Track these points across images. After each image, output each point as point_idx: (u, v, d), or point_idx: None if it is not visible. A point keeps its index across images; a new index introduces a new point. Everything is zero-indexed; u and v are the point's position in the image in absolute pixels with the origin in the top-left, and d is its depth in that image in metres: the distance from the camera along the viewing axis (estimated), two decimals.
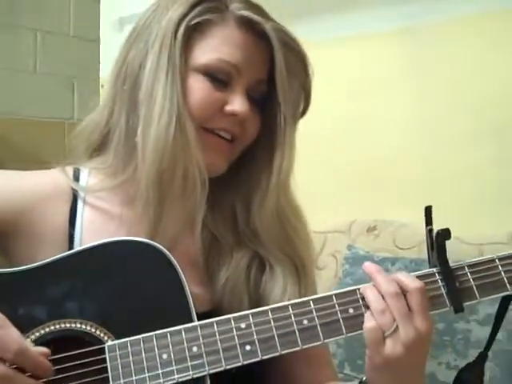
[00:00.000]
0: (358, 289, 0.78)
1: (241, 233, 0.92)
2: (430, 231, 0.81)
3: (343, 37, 2.36)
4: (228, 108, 0.87)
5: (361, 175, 2.32)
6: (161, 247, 0.78)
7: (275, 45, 0.86)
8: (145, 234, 0.82)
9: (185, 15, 0.86)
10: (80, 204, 0.89)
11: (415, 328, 0.74)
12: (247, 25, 0.87)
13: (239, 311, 0.84)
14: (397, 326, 0.73)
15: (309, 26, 2.38)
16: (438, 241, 0.79)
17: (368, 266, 0.78)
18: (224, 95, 0.88)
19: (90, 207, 0.89)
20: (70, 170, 0.93)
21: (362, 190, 2.31)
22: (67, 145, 0.94)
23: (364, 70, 2.33)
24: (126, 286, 0.78)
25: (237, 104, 0.87)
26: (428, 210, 0.83)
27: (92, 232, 0.87)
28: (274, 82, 0.89)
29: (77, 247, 0.86)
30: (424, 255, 2.16)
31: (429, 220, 0.83)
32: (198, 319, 0.77)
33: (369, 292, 0.77)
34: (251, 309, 0.85)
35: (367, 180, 2.31)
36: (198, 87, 0.86)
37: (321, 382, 0.93)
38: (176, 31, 0.85)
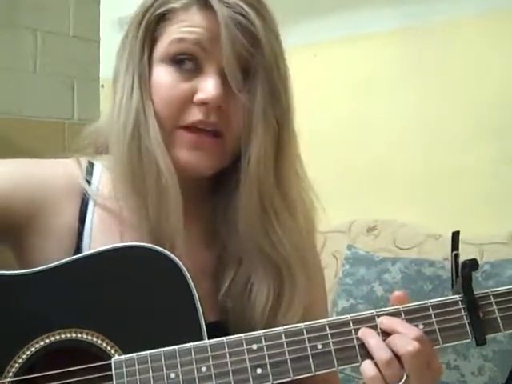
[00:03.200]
0: (377, 315, 0.75)
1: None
2: (455, 256, 0.79)
3: (344, 37, 2.36)
4: (196, 97, 0.80)
5: (361, 175, 2.32)
6: (172, 256, 0.75)
7: (221, 23, 0.78)
8: (148, 240, 0.80)
9: (147, 9, 0.82)
10: (91, 201, 0.86)
11: None
12: (209, 7, 0.80)
13: (247, 323, 0.83)
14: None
15: (310, 27, 2.38)
16: (465, 271, 0.77)
17: (362, 331, 0.74)
18: (193, 84, 0.80)
19: (100, 206, 0.86)
20: (84, 162, 0.89)
21: (362, 189, 2.31)
22: (70, 144, 0.91)
23: (364, 69, 2.33)
24: (134, 295, 0.75)
25: (206, 90, 0.79)
26: (455, 236, 0.81)
27: (101, 230, 0.85)
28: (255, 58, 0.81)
29: (85, 244, 0.83)
30: (424, 255, 2.16)
31: (455, 245, 0.81)
32: (206, 329, 0.74)
33: (370, 338, 0.73)
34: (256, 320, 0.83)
35: (367, 180, 2.31)
36: (162, 81, 0.81)
37: None
38: (138, 27, 0.82)
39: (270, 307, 0.83)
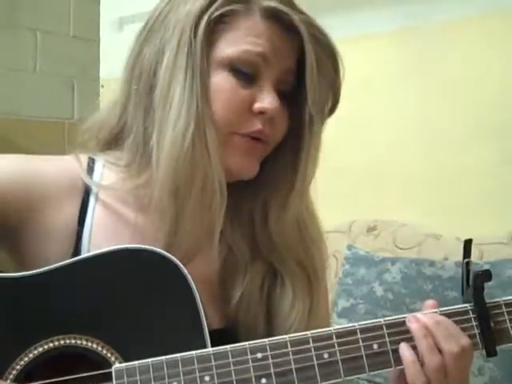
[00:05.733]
0: (385, 324, 0.74)
1: (258, 242, 0.86)
2: (467, 264, 0.79)
3: (344, 37, 2.35)
4: (257, 106, 0.80)
5: (361, 175, 2.32)
6: (176, 261, 0.73)
7: (305, 38, 0.80)
8: (160, 245, 0.77)
9: (206, 8, 0.79)
10: (92, 199, 0.84)
11: None
12: (274, 16, 0.80)
13: (255, 329, 0.82)
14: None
15: None
16: (477, 282, 0.75)
17: (410, 319, 0.74)
18: (251, 92, 0.81)
19: (102, 204, 0.84)
20: (84, 158, 0.86)
21: (361, 190, 2.31)
22: (76, 142, 0.89)
23: (364, 70, 2.33)
24: (135, 301, 0.73)
25: (266, 101, 0.80)
26: (467, 243, 0.81)
27: (102, 231, 0.83)
28: (300, 75, 0.82)
29: (84, 245, 0.81)
30: (424, 255, 2.16)
31: (467, 253, 0.81)
32: (211, 336, 0.72)
33: (422, 340, 0.72)
34: (267, 326, 0.82)
35: (367, 180, 2.31)
36: (223, 87, 0.80)
37: None
38: (196, 26, 0.78)
39: (306, 311, 0.84)
